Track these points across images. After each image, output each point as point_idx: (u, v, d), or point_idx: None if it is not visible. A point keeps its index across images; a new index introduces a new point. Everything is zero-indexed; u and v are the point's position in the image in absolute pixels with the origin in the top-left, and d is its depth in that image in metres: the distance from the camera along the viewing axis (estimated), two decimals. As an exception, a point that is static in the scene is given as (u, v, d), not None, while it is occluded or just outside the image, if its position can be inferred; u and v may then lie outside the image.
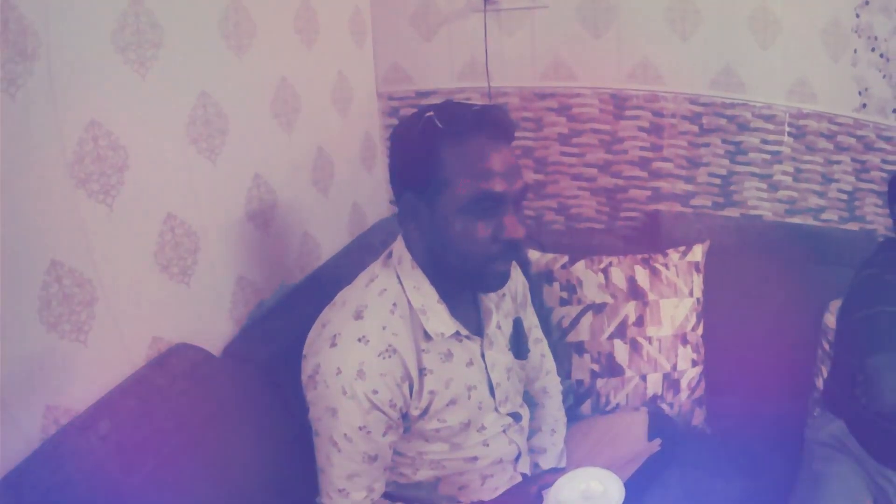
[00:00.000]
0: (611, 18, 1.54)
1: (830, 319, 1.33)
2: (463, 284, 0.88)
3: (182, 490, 0.88)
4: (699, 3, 1.49)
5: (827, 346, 1.34)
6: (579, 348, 1.36)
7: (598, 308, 1.37)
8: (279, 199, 1.30)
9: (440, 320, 0.88)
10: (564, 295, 1.38)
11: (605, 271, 1.38)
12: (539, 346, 1.13)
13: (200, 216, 1.10)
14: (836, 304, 1.30)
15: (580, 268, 1.39)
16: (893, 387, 0.97)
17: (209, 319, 1.14)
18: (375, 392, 0.81)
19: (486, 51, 1.57)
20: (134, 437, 0.87)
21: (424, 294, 0.88)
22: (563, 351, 1.37)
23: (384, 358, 0.82)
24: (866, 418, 1.11)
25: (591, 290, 1.37)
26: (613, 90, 1.58)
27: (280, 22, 1.29)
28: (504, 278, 0.87)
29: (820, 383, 1.34)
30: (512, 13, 1.57)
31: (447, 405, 0.90)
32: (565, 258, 1.41)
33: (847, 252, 1.43)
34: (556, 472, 0.88)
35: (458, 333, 0.90)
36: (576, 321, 1.37)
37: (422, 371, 0.87)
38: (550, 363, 1.17)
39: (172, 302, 1.05)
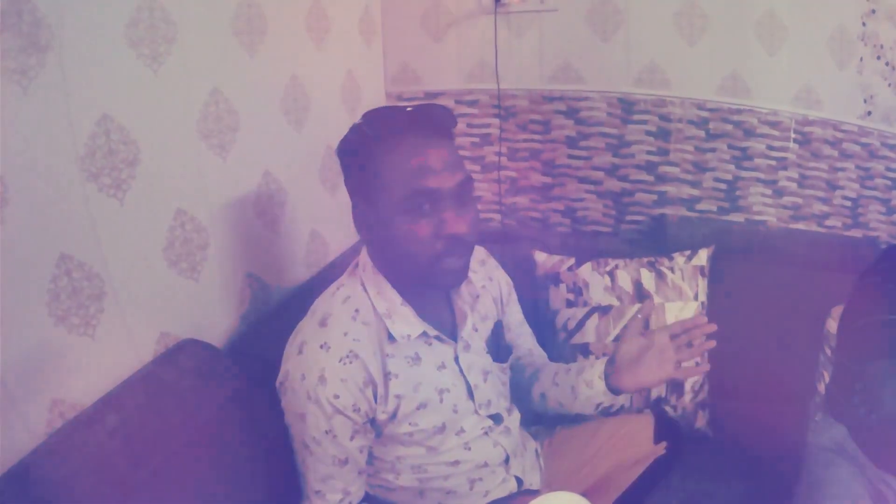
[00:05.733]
0: (619, 23, 1.54)
1: (833, 325, 1.33)
2: (420, 284, 0.88)
3: (189, 485, 0.88)
4: (707, 8, 1.49)
5: (829, 352, 1.34)
6: (584, 350, 1.36)
7: (603, 310, 1.37)
8: (288, 197, 1.31)
9: (405, 322, 0.88)
10: (570, 297, 1.38)
11: (611, 274, 1.38)
12: (528, 340, 1.13)
13: (210, 212, 1.10)
14: (838, 310, 1.30)
15: (586, 270, 1.39)
16: (894, 394, 0.97)
17: (217, 315, 1.14)
18: (337, 397, 0.83)
19: (496, 53, 1.58)
20: (141, 431, 0.87)
21: (387, 298, 0.89)
22: (569, 352, 1.37)
23: (345, 364, 0.84)
24: (867, 424, 1.11)
25: (597, 292, 1.37)
26: (621, 94, 1.59)
27: (291, 20, 1.29)
28: (458, 274, 0.86)
29: (822, 388, 1.34)
30: (521, 16, 1.57)
31: (417, 409, 0.90)
32: (571, 260, 1.41)
33: (850, 259, 1.44)
34: (529, 494, 0.87)
35: (425, 335, 0.90)
36: (581, 323, 1.37)
37: (387, 375, 0.87)
38: (536, 347, 1.16)
39: (181, 297, 1.05)
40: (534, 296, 1.42)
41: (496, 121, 1.67)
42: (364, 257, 0.92)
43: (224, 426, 0.96)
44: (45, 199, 0.81)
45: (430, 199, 0.81)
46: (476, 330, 0.97)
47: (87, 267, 0.88)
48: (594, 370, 0.99)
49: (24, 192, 0.78)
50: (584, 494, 1.06)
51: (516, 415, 1.05)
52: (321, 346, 0.84)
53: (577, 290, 1.38)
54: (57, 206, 0.83)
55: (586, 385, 0.99)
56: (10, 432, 0.78)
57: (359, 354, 0.85)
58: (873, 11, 1.45)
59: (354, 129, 0.86)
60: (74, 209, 0.86)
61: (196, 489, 0.88)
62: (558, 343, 1.38)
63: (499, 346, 1.01)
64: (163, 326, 1.02)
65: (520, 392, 1.09)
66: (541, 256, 1.43)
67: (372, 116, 0.84)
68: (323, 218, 1.43)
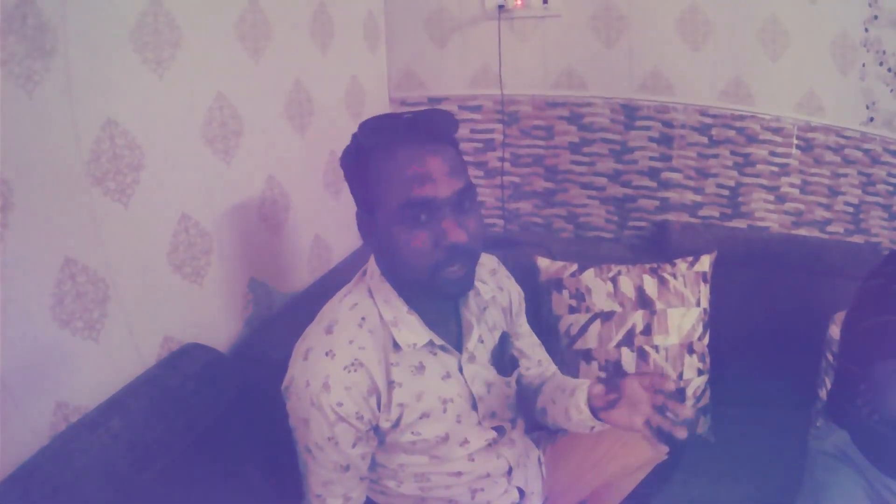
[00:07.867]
0: (622, 29, 1.55)
1: (835, 331, 1.33)
2: (424, 294, 0.87)
3: (192, 489, 0.88)
4: (710, 15, 1.50)
5: (831, 357, 1.34)
6: (587, 356, 1.37)
7: (606, 316, 1.37)
8: (292, 202, 1.31)
9: (411, 331, 0.88)
10: (573, 303, 1.38)
11: (613, 280, 1.39)
12: (537, 351, 1.11)
13: (214, 217, 1.10)
14: (840, 316, 1.31)
15: (589, 276, 1.39)
16: None
17: (221, 320, 1.14)
18: (340, 404, 0.82)
19: (500, 58, 1.58)
20: (145, 435, 0.87)
21: (394, 306, 0.88)
22: (571, 358, 1.37)
23: (349, 371, 0.83)
24: (869, 429, 1.11)
25: (600, 298, 1.37)
26: (624, 100, 1.59)
27: (296, 25, 1.30)
28: (462, 284, 0.84)
29: (823, 394, 1.34)
30: (525, 21, 1.58)
31: (420, 418, 0.89)
32: (574, 266, 1.41)
33: (852, 264, 1.44)
34: None
35: (431, 344, 0.89)
36: (584, 329, 1.37)
37: (391, 384, 0.87)
38: (545, 357, 1.13)
39: (185, 302, 1.05)
40: (536, 301, 1.42)
41: (499, 126, 1.67)
42: (372, 264, 0.92)
43: (227, 430, 0.97)
44: (49, 204, 0.81)
45: (428, 209, 0.79)
46: (482, 341, 0.96)
47: (91, 271, 0.88)
48: (582, 394, 0.93)
49: (29, 196, 0.78)
50: (587, 500, 1.07)
51: (521, 426, 1.04)
52: (326, 354, 0.84)
53: (580, 295, 1.38)
54: (61, 211, 0.83)
55: (576, 409, 0.94)
56: (14, 435, 0.78)
57: (363, 363, 0.84)
58: (875, 17, 1.46)
59: (353, 139, 0.85)
60: (79, 213, 0.86)
61: (199, 493, 0.88)
62: (561, 349, 1.38)
63: (504, 359, 1.00)
64: (166, 330, 1.02)
65: (525, 402, 1.08)
66: (543, 262, 1.43)
67: (368, 125, 0.82)
68: (326, 223, 1.43)
